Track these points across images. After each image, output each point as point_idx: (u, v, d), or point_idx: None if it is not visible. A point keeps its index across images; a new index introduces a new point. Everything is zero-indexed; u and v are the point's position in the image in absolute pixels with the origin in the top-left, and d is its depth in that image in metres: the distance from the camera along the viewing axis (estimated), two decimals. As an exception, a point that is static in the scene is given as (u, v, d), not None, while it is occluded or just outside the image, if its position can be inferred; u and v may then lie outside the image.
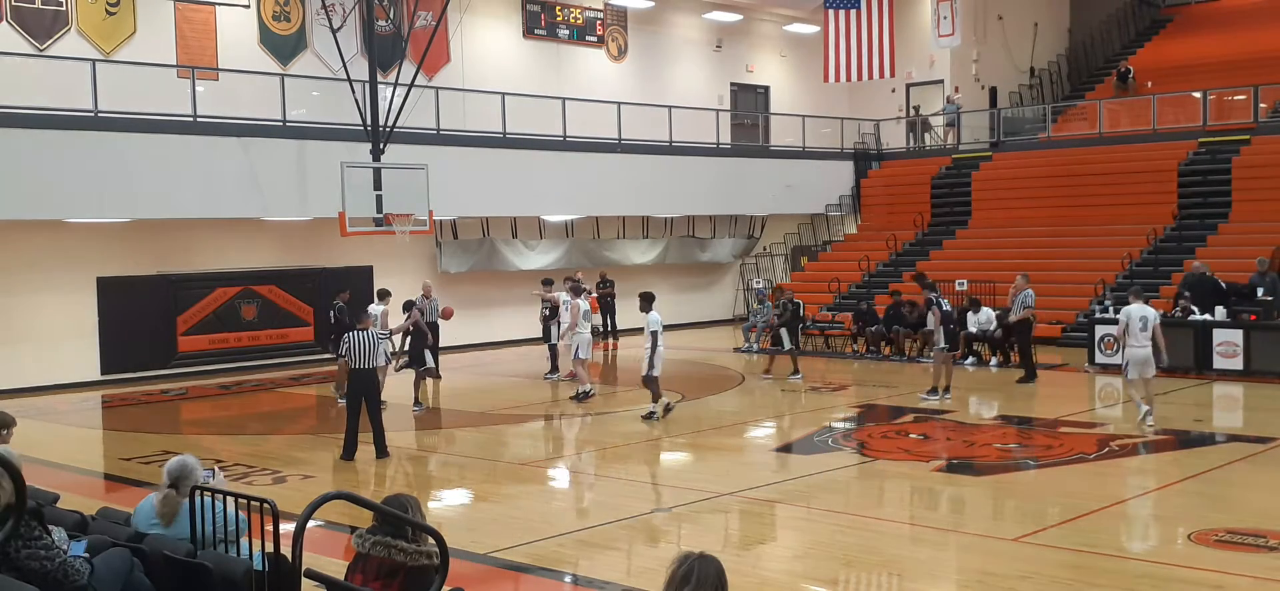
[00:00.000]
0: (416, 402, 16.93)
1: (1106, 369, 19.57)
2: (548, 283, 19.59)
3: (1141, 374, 14.44)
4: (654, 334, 15.49)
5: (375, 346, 13.09)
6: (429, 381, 17.76)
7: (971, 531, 10.23)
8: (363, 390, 13.06)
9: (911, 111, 33.13)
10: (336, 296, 19.20)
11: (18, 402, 16.49)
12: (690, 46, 31.62)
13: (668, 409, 15.48)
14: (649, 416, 15.35)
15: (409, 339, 17.35)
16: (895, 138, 32.83)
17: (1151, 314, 14.57)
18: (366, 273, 23.96)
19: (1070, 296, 22.83)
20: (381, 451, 13.19)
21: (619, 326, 27.22)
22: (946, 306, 17.58)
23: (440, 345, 21.31)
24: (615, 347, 25.83)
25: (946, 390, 16.99)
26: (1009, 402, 17.34)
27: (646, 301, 15.83)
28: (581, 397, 17.24)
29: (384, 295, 18.14)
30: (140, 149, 19.42)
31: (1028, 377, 18.42)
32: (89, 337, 20.74)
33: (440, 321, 19.88)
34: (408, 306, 17.44)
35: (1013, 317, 19.01)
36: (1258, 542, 9.09)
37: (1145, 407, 14.41)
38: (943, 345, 17.08)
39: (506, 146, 24.34)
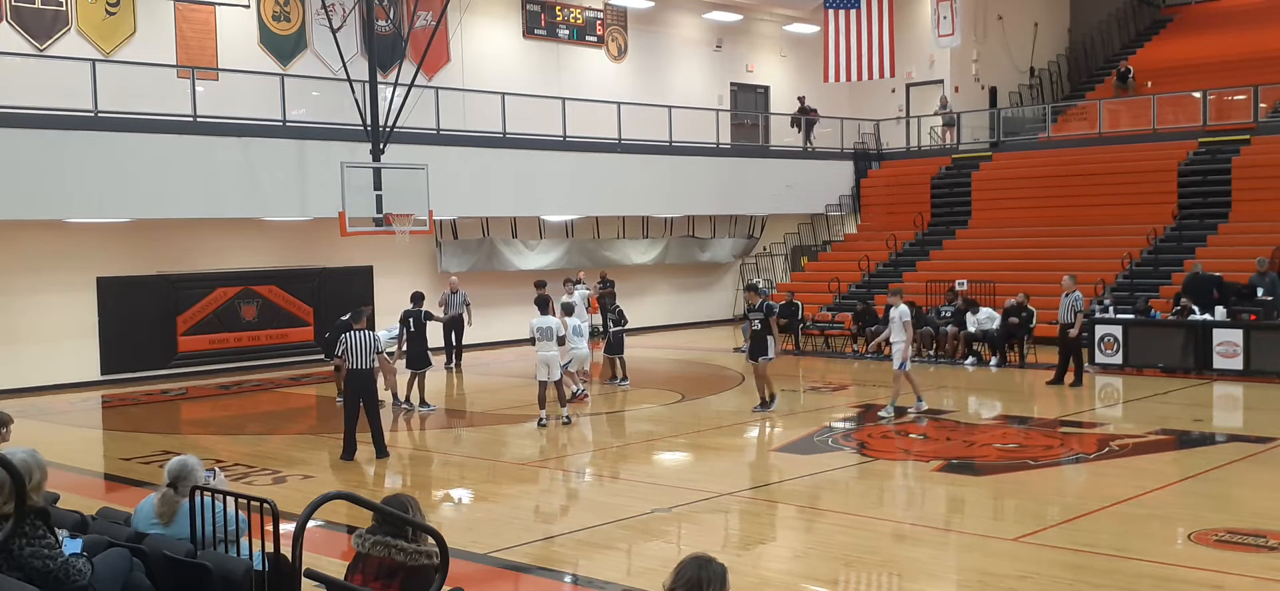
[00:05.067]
0: (423, 402, 17.02)
1: (1107, 369, 19.58)
2: (541, 283, 19.40)
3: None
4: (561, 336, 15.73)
5: (371, 347, 13.11)
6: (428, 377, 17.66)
7: (971, 531, 10.23)
8: (361, 390, 13.07)
9: (899, 109, 33.20)
10: (362, 308, 18.68)
11: (18, 402, 16.52)
12: (690, 46, 31.62)
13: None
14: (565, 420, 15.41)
15: (408, 339, 17.34)
16: (895, 138, 32.82)
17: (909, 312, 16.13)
18: (366, 273, 24.00)
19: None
20: (381, 451, 13.21)
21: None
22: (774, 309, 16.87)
23: (464, 342, 21.88)
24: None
25: (773, 398, 16.24)
26: (1009, 402, 17.36)
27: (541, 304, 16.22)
28: (574, 396, 17.25)
29: (418, 298, 17.83)
30: (140, 149, 19.42)
31: (1076, 381, 18.07)
32: (89, 338, 20.74)
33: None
34: (416, 297, 17.55)
35: (1073, 331, 18.01)
36: (1258, 542, 9.09)
37: (922, 400, 15.77)
38: (769, 355, 16.03)
39: (506, 146, 24.34)
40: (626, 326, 19.98)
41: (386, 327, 18.01)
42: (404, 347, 17.42)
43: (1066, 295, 18.18)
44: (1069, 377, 18.09)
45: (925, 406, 15.78)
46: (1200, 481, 11.59)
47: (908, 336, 15.62)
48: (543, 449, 14.41)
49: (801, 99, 32.10)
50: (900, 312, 15.64)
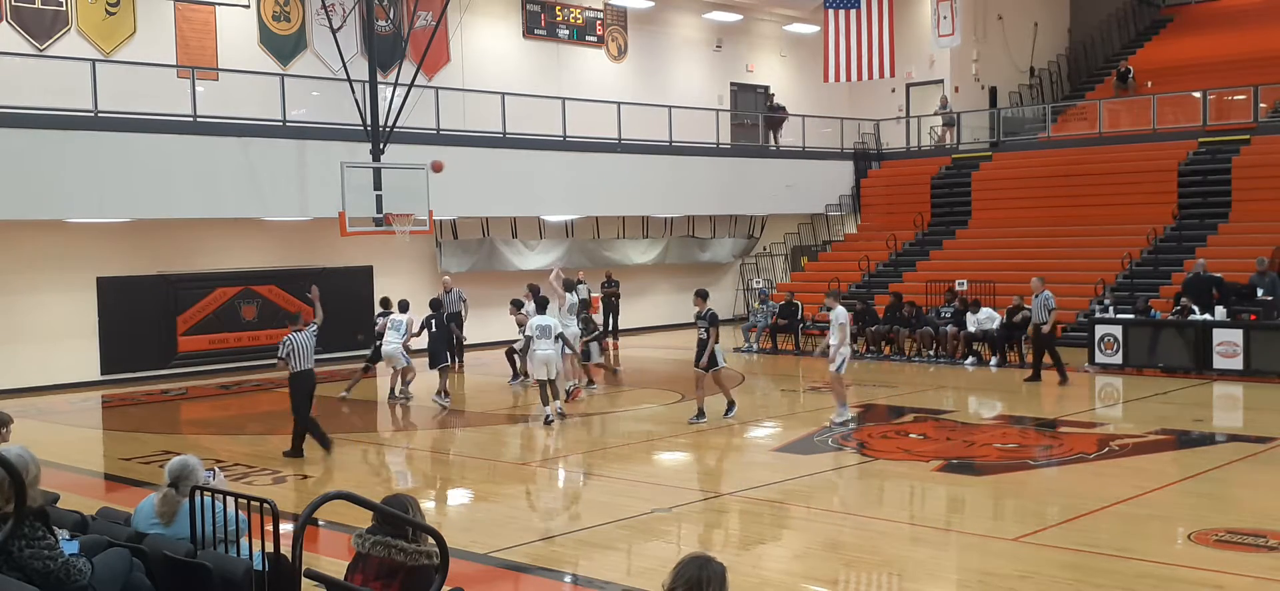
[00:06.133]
0: (443, 395, 17.37)
1: (1107, 369, 19.58)
2: (518, 304, 19.06)
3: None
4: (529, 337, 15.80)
5: (311, 348, 13.18)
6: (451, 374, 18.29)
7: (971, 531, 10.24)
8: (303, 390, 13.21)
9: (898, 110, 33.22)
10: (379, 304, 19.15)
11: (18, 402, 16.52)
12: (690, 46, 31.62)
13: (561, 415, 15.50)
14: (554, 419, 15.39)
15: (429, 337, 17.76)
16: (895, 138, 32.83)
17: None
18: (366, 273, 24.00)
19: (1070, 296, 22.82)
20: (297, 449, 13.30)
21: (621, 326, 27.28)
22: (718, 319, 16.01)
23: (465, 340, 22.09)
24: (616, 347, 25.84)
25: (714, 408, 15.52)
26: (1009, 402, 17.36)
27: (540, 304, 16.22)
28: (569, 395, 17.25)
29: (404, 305, 18.53)
30: (140, 149, 19.42)
31: (1062, 380, 18.15)
32: (89, 338, 20.74)
33: None
34: (434, 304, 18.20)
35: (1044, 327, 18.36)
36: (1258, 542, 9.09)
37: (845, 407, 15.07)
38: (720, 362, 15.50)
39: (506, 146, 24.34)
40: (595, 334, 19.69)
41: (393, 323, 18.12)
42: (417, 345, 17.91)
43: (1036, 296, 18.61)
44: (1055, 377, 18.20)
45: (849, 417, 15.05)
46: (1200, 481, 11.59)
47: (842, 339, 14.98)
48: (542, 449, 14.41)
49: (771, 97, 32.12)
50: (837, 315, 15.11)
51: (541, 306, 16.34)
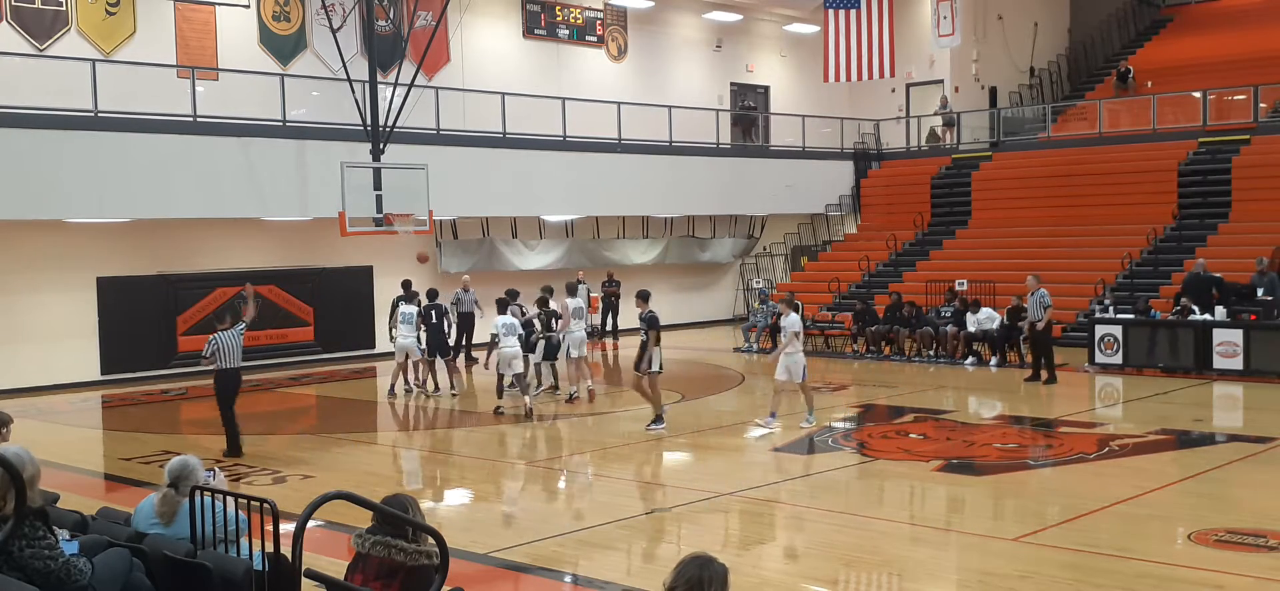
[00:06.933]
0: (452, 387, 18.40)
1: (1107, 369, 19.58)
2: (513, 294, 18.84)
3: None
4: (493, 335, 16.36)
5: (237, 348, 13.29)
6: (458, 366, 19.44)
7: (971, 531, 10.23)
8: (227, 389, 13.35)
9: (898, 109, 33.26)
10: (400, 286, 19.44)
11: (18, 402, 16.52)
12: (690, 46, 31.62)
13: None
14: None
15: (428, 330, 18.30)
16: (895, 138, 32.83)
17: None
18: (366, 273, 24.00)
19: (1070, 296, 22.85)
20: (235, 449, 13.44)
21: (621, 326, 27.26)
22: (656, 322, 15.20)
23: (473, 339, 22.44)
24: (616, 348, 25.84)
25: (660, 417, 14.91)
26: (1009, 402, 17.36)
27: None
28: (572, 398, 17.26)
29: (413, 298, 18.81)
30: (140, 149, 19.42)
31: (1051, 379, 18.18)
32: (89, 338, 20.74)
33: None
34: (432, 294, 18.93)
35: (1039, 324, 18.38)
36: (1258, 542, 9.09)
37: (774, 417, 14.79)
38: (655, 368, 14.83)
39: (506, 146, 24.34)
40: (541, 336, 19.20)
41: (404, 316, 18.27)
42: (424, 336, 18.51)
43: (1032, 294, 18.59)
44: (1044, 374, 18.21)
45: (770, 429, 14.56)
46: (1200, 481, 11.59)
47: (786, 345, 14.69)
48: (543, 449, 14.41)
49: (748, 96, 32.16)
50: (790, 323, 14.82)
51: (502, 307, 16.61)
